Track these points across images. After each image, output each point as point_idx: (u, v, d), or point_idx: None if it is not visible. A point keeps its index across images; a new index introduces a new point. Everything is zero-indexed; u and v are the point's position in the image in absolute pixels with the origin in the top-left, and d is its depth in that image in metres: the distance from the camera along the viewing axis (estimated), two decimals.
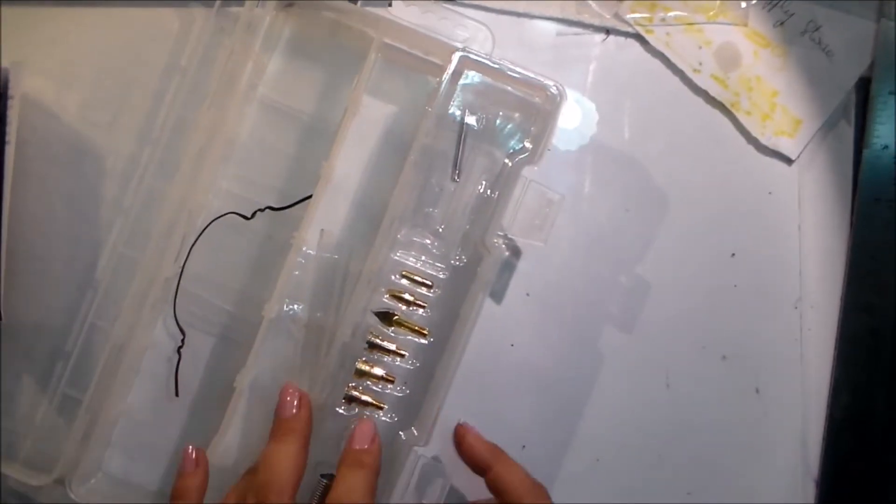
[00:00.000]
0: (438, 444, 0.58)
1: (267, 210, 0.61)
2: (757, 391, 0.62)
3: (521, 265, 0.62)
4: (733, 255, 0.62)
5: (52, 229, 0.62)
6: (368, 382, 0.59)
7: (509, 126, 0.59)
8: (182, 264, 0.61)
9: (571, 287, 0.62)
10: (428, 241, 0.60)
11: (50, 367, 0.61)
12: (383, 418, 0.59)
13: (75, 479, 0.57)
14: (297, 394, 0.55)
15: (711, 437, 0.62)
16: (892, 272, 0.59)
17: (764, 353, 0.62)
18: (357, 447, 0.54)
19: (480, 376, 0.62)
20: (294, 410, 0.55)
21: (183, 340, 0.62)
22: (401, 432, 0.57)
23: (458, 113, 0.59)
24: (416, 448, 0.58)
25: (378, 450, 0.54)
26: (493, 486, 0.54)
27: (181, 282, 0.61)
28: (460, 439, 0.56)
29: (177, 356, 0.62)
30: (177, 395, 0.62)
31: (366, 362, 0.59)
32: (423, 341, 0.59)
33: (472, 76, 0.58)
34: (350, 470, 0.53)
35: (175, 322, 0.61)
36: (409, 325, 0.59)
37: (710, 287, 0.62)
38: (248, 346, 0.57)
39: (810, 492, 0.61)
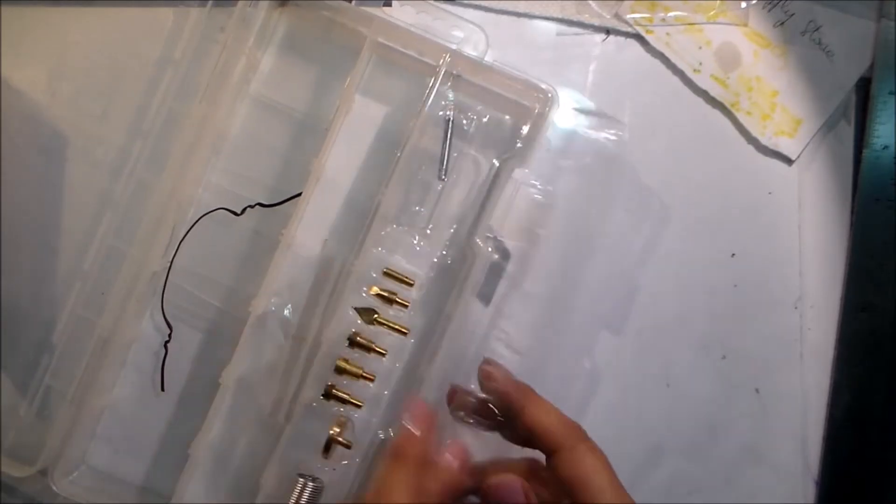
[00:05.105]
0: None
1: (256, 206, 0.61)
2: (757, 391, 0.61)
3: (520, 265, 0.61)
4: (733, 255, 0.62)
5: (41, 220, 0.62)
6: (348, 381, 0.58)
7: (500, 127, 0.59)
8: (171, 258, 0.61)
9: (571, 287, 0.62)
10: (415, 241, 0.59)
11: (36, 358, 0.60)
12: (361, 417, 0.58)
13: (58, 471, 0.57)
14: (425, 412, 0.49)
15: (711, 437, 0.61)
16: (892, 272, 0.59)
17: (764, 353, 0.61)
18: (400, 440, 0.48)
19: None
20: (417, 432, 0.48)
21: (170, 335, 0.61)
22: (380, 431, 0.57)
23: (447, 113, 0.58)
24: None
25: (425, 439, 0.48)
26: (526, 430, 0.48)
27: (169, 276, 0.61)
28: (487, 378, 0.50)
29: (163, 350, 0.61)
30: (163, 389, 0.62)
31: (346, 360, 0.57)
32: (404, 340, 0.58)
33: (463, 77, 0.57)
34: (387, 463, 0.48)
35: (162, 316, 0.61)
36: (389, 324, 0.58)
37: (710, 287, 0.62)
38: (234, 342, 0.57)
39: (810, 492, 0.61)
